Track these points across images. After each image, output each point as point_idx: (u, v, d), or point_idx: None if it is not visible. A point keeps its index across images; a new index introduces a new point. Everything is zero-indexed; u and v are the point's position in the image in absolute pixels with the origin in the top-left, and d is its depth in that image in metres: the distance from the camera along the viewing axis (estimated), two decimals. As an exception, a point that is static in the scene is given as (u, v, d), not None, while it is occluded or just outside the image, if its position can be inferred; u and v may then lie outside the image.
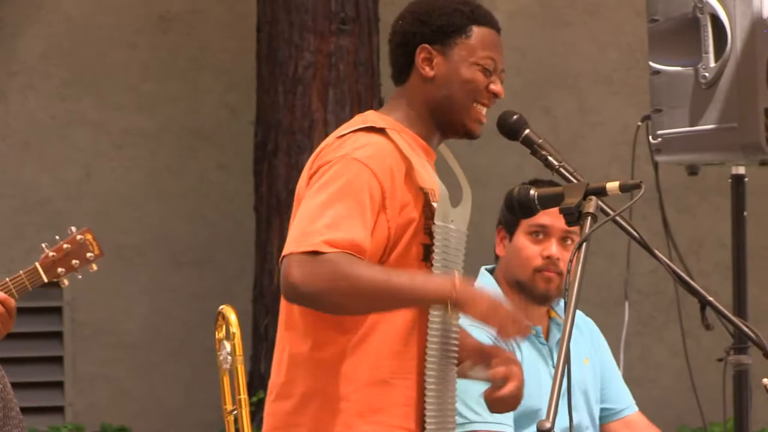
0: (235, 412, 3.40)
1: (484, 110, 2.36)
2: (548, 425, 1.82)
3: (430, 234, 2.34)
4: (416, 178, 2.32)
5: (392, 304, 2.31)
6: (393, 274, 2.34)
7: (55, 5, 7.22)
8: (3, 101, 6.92)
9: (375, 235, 2.26)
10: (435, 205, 2.40)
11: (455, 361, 2.47)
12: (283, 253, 2.20)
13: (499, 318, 2.24)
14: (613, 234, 2.48)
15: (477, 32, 2.37)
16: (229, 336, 3.41)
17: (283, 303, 2.33)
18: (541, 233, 3.20)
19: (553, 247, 3.09)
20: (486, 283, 3.41)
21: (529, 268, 3.25)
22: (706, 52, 3.28)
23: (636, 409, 3.23)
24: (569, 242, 3.08)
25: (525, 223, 3.25)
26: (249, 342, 4.96)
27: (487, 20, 2.43)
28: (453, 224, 2.43)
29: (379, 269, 2.30)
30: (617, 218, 2.10)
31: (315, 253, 2.19)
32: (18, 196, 6.57)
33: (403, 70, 2.41)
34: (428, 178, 2.41)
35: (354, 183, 2.28)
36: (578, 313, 2.26)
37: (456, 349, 2.45)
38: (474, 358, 2.52)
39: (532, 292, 3.22)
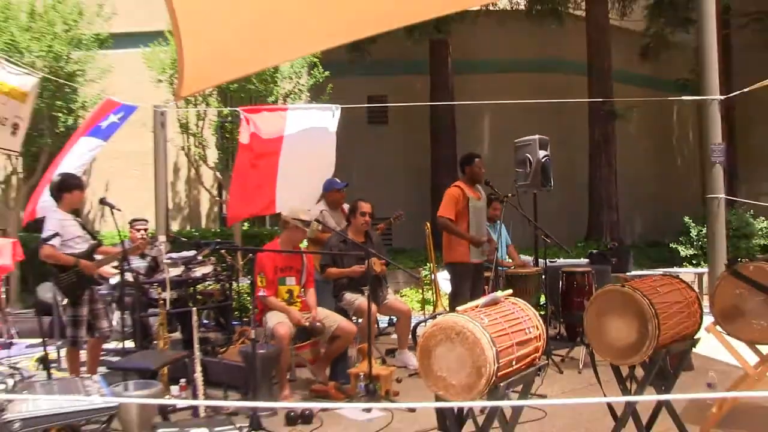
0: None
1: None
2: (496, 245, 5.50)
3: (467, 207, 5.31)
4: (466, 194, 5.33)
5: (459, 238, 5.10)
6: (461, 230, 5.07)
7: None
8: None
9: (456, 210, 5.10)
10: (470, 199, 5.20)
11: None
12: (438, 214, 5.35)
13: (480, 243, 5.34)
14: (510, 207, 5.26)
15: (476, 160, 5.80)
16: (425, 231, 6.98)
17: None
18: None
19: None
20: None
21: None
22: (527, 167, 5.73)
23: (511, 243, 6.58)
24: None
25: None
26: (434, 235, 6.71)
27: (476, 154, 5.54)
28: (478, 204, 5.34)
29: (456, 227, 4.94)
30: (510, 201, 5.55)
31: (442, 216, 5.31)
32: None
33: (465, 168, 5.54)
34: (471, 194, 5.16)
35: (452, 196, 5.23)
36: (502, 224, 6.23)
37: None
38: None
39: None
